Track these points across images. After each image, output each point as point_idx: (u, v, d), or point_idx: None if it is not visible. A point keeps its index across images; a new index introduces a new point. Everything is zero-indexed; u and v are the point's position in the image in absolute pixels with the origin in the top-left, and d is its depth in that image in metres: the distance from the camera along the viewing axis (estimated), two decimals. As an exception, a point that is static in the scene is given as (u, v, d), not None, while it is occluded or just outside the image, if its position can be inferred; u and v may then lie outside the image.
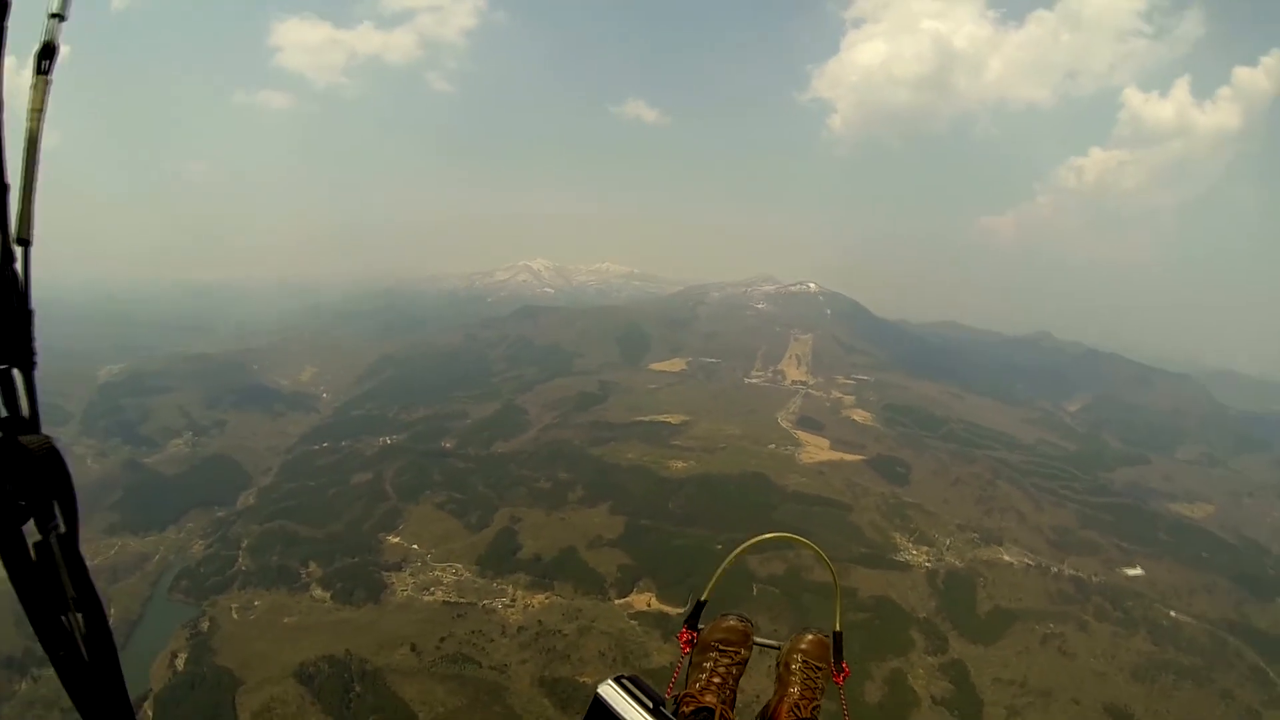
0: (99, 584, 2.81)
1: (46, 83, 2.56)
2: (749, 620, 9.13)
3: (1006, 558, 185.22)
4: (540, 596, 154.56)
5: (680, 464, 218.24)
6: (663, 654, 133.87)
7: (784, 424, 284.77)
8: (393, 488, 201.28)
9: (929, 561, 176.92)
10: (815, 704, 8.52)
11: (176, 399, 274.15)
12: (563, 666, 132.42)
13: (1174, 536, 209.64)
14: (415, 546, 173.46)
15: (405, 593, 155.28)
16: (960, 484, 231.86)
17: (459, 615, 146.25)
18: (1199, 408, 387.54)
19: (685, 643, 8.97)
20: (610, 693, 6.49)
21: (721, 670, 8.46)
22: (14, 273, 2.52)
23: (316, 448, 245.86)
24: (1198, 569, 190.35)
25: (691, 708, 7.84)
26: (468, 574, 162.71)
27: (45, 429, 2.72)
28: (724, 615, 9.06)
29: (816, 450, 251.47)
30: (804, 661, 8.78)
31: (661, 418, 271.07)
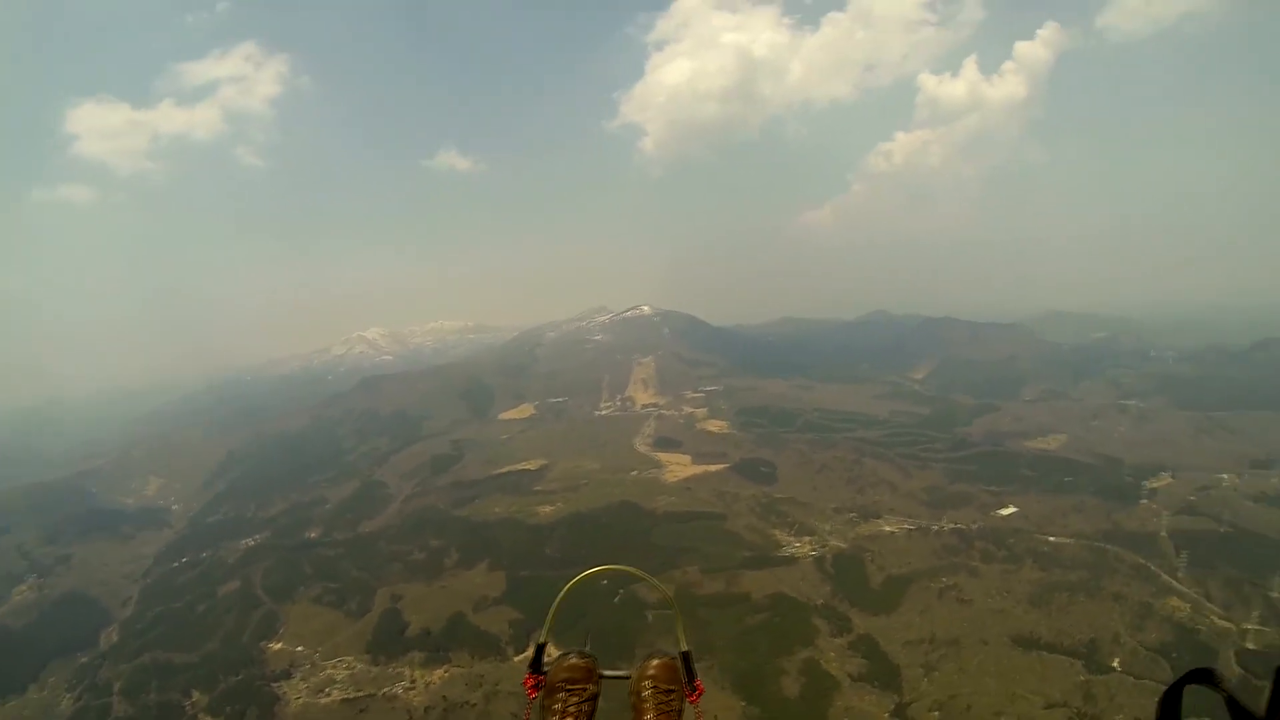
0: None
1: None
2: (592, 655, 9.41)
3: (887, 528, 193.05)
4: (439, 671, 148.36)
5: (548, 508, 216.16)
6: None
7: (642, 449, 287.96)
8: (264, 590, 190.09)
9: (814, 550, 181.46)
10: None
11: (13, 540, 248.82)
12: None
13: (1036, 470, 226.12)
14: (300, 648, 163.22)
15: (300, 700, 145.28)
16: (826, 470, 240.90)
17: (361, 711, 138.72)
18: (1033, 350, 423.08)
19: (531, 688, 9.25)
20: None
21: (572, 710, 8.85)
22: None
23: (175, 565, 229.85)
24: (1064, 494, 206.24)
25: None
26: (360, 665, 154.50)
27: None
28: (565, 654, 9.38)
29: (679, 468, 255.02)
30: (654, 687, 9.18)
31: (520, 466, 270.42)
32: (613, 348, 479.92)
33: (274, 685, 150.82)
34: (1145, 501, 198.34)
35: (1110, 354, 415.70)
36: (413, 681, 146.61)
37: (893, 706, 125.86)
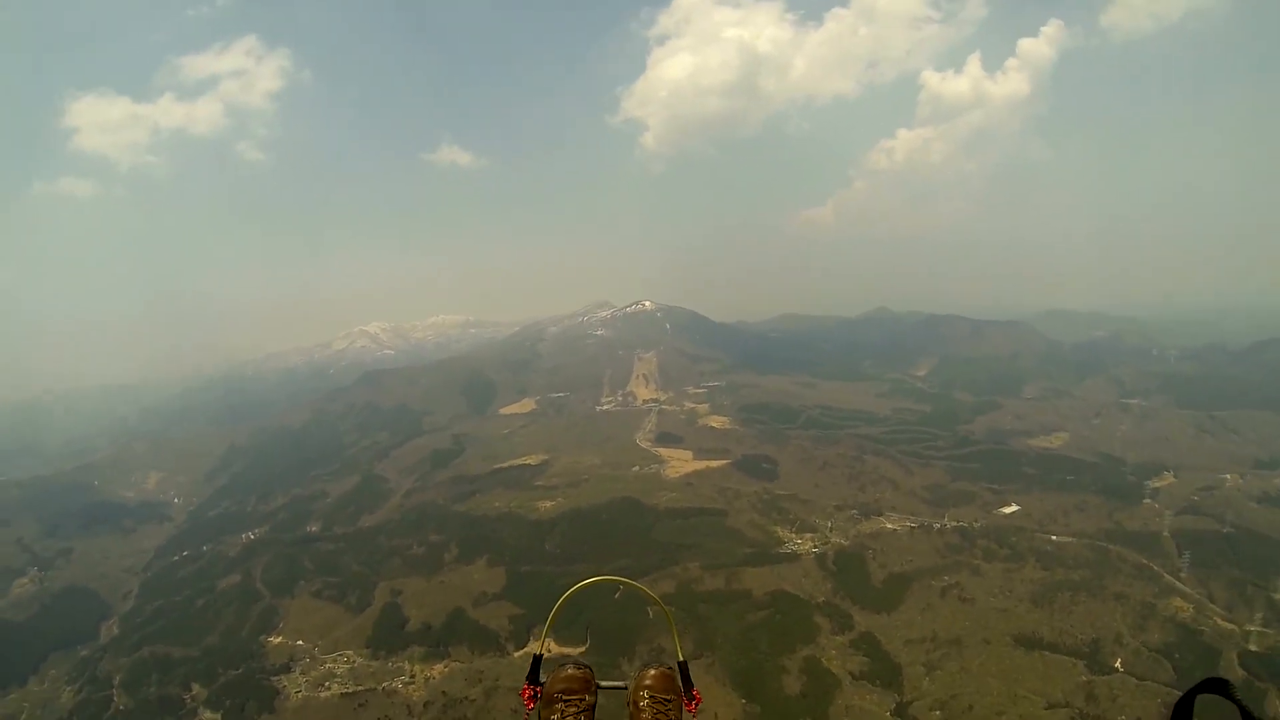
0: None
1: None
2: (588, 666, 9.57)
3: (889, 525, 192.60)
4: (438, 666, 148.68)
5: (548, 504, 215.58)
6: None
7: (644, 444, 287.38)
8: (264, 585, 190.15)
9: (815, 547, 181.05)
10: None
11: (13, 533, 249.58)
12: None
13: (1038, 469, 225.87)
14: (300, 642, 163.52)
15: (299, 694, 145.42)
16: (829, 467, 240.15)
17: (360, 705, 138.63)
18: (1035, 348, 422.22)
19: (528, 699, 9.46)
20: None
21: None
22: None
23: (176, 559, 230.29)
24: (1066, 492, 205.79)
25: None
26: (360, 659, 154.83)
27: None
28: (562, 665, 9.54)
29: (681, 463, 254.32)
30: (651, 697, 9.33)
31: (521, 461, 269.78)
32: (614, 343, 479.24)
33: (274, 679, 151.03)
34: (1148, 501, 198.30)
35: (1112, 352, 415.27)
36: (412, 676, 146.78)
37: (894, 705, 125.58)
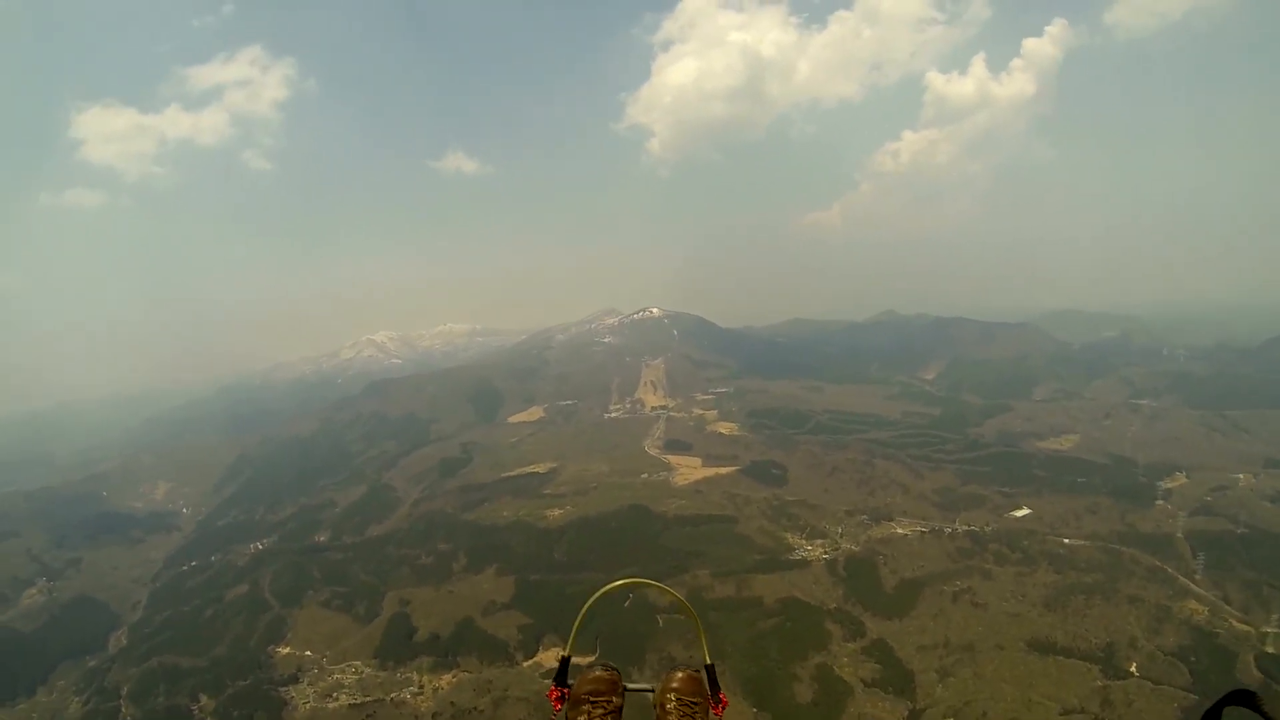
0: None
1: None
2: (616, 668, 9.46)
3: (900, 530, 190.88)
4: (447, 676, 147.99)
5: (557, 512, 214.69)
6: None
7: (652, 451, 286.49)
8: (273, 594, 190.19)
9: (826, 553, 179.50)
10: None
11: (22, 543, 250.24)
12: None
13: (1049, 471, 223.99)
14: (308, 653, 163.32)
15: (307, 705, 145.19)
16: (838, 472, 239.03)
17: (369, 716, 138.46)
18: (1044, 350, 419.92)
19: (555, 700, 9.25)
20: None
21: None
22: None
23: (184, 569, 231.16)
24: (1078, 494, 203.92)
25: None
26: (368, 670, 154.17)
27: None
28: (590, 667, 9.39)
29: (690, 470, 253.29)
30: (678, 700, 9.07)
31: (529, 469, 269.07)
32: (622, 350, 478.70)
33: (281, 690, 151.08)
34: (1160, 502, 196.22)
35: (1122, 353, 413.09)
36: (421, 687, 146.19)
37: (906, 713, 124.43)
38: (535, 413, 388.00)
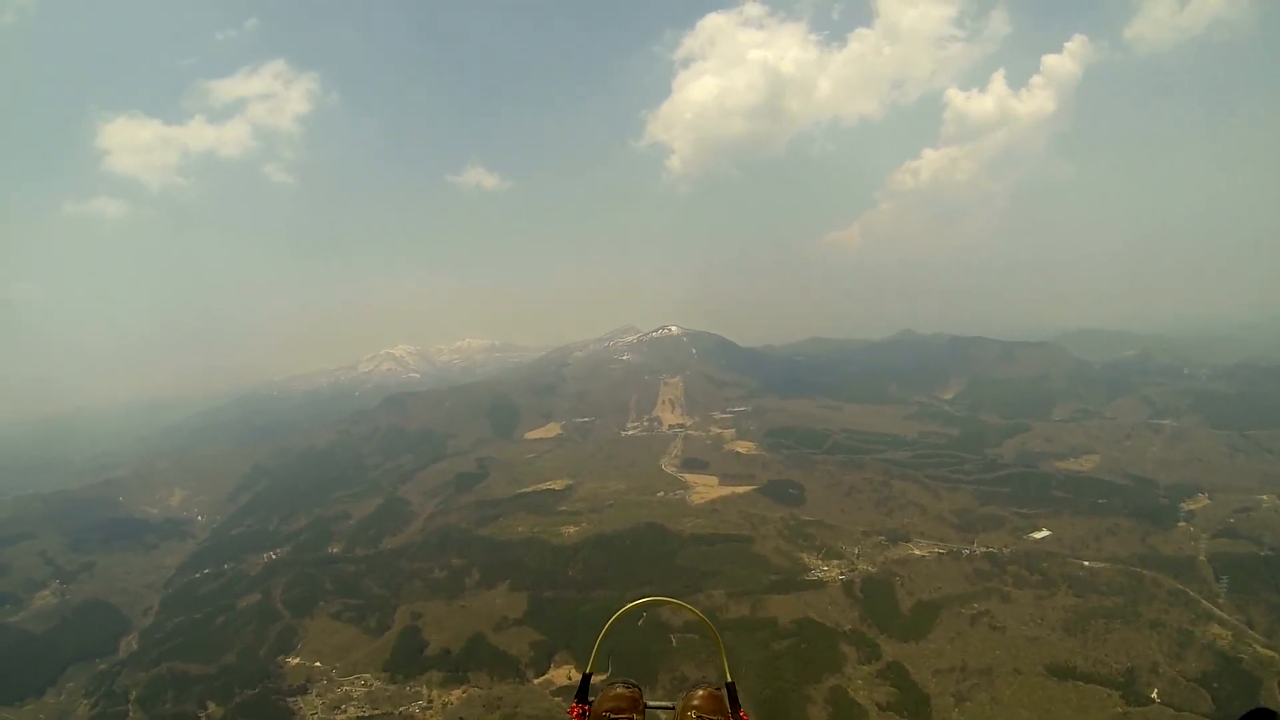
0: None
1: None
2: (637, 685, 9.46)
3: (917, 552, 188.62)
4: (457, 691, 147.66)
5: (572, 529, 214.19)
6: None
7: (669, 469, 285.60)
8: (284, 604, 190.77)
9: (842, 574, 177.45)
10: None
11: (37, 545, 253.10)
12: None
13: (1069, 492, 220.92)
14: (318, 664, 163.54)
15: (315, 716, 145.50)
16: (855, 492, 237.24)
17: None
18: (1064, 369, 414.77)
19: (577, 717, 9.32)
20: None
21: None
22: None
23: (197, 575, 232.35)
24: (1098, 516, 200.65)
25: None
26: (377, 683, 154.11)
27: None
28: (611, 684, 9.44)
29: (706, 489, 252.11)
30: (699, 717, 8.98)
31: (545, 485, 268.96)
32: (640, 368, 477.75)
33: (290, 700, 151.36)
34: (1182, 524, 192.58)
35: (1142, 372, 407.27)
36: (430, 701, 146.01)
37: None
38: (552, 429, 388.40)
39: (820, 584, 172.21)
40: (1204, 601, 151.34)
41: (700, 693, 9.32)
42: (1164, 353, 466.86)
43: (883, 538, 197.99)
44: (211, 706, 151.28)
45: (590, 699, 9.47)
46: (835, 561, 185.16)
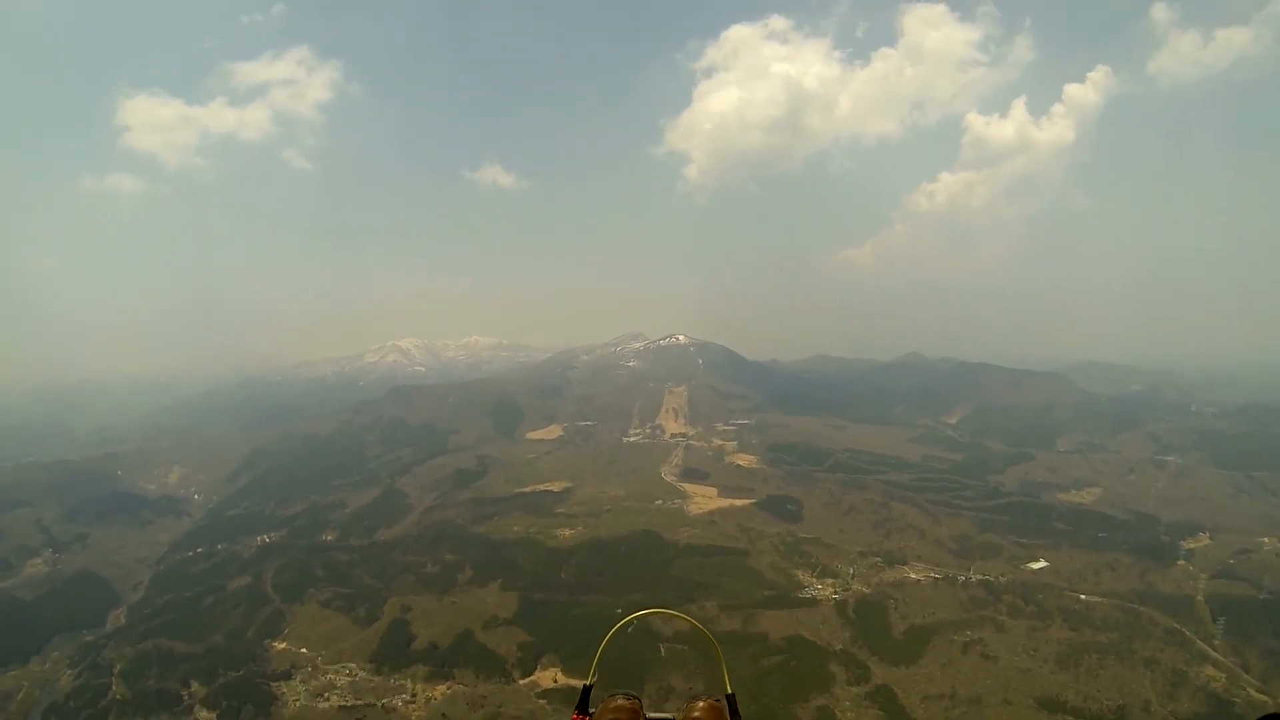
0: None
1: None
2: (637, 697, 9.23)
3: (913, 575, 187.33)
4: (441, 687, 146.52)
5: (568, 532, 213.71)
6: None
7: (668, 478, 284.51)
8: (274, 589, 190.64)
9: (836, 593, 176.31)
10: None
11: (33, 513, 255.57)
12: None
13: (1069, 524, 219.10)
14: (304, 650, 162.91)
15: (298, 703, 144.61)
16: (854, 512, 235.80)
17: None
18: (1070, 400, 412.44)
19: None
20: None
21: None
22: None
23: (190, 554, 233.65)
24: (1097, 550, 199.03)
25: None
26: (362, 673, 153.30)
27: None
28: (611, 696, 9.19)
29: (705, 500, 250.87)
30: None
31: (543, 486, 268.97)
32: (646, 375, 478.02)
33: (273, 685, 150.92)
34: (1181, 562, 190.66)
35: (1149, 407, 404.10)
36: (413, 695, 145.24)
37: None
38: (554, 431, 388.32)
39: (814, 602, 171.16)
40: (1200, 642, 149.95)
41: (701, 704, 9.24)
42: (1172, 388, 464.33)
43: (879, 559, 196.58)
44: (195, 685, 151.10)
45: (590, 710, 9.25)
46: (830, 580, 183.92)
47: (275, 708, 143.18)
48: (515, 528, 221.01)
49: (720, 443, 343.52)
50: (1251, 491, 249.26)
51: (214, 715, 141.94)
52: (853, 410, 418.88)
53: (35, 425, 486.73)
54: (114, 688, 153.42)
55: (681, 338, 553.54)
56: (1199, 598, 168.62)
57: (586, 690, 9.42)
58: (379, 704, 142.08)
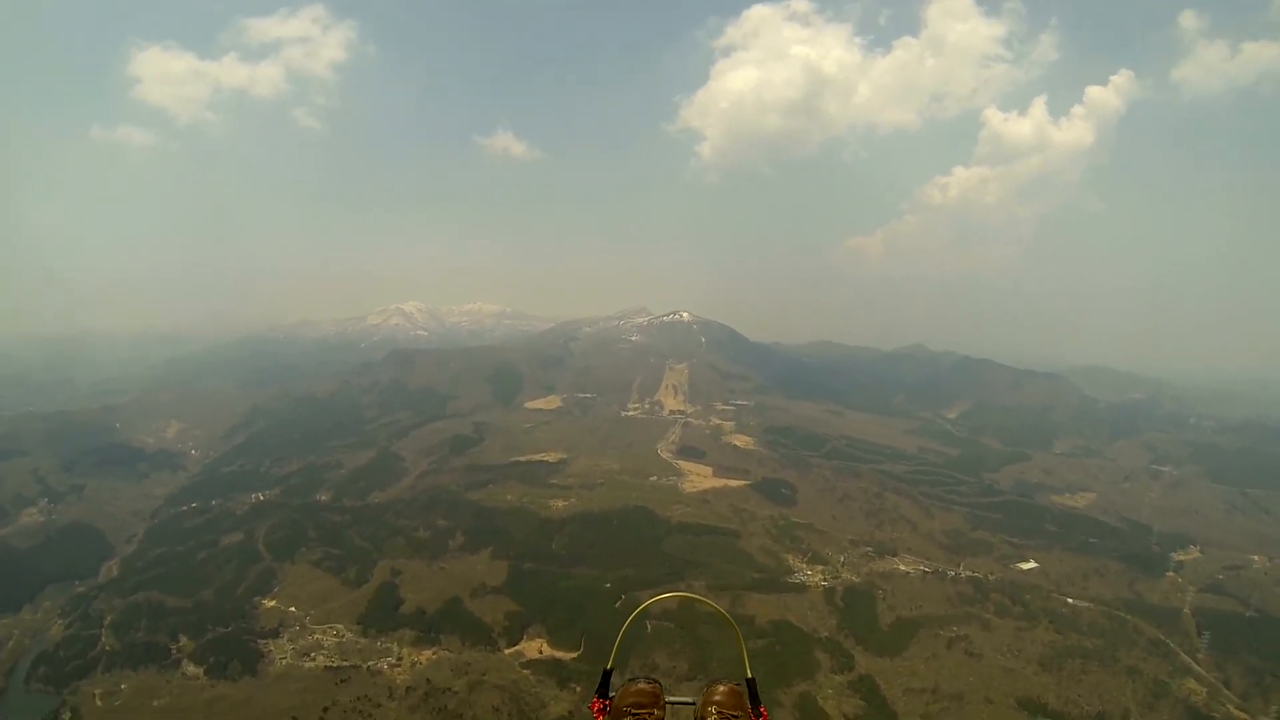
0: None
1: None
2: (658, 681, 9.55)
3: (902, 567, 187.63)
4: (427, 652, 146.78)
5: (561, 503, 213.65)
6: (560, 703, 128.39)
7: (664, 455, 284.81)
8: (266, 547, 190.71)
9: (825, 580, 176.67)
10: None
11: (30, 463, 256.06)
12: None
13: (1061, 527, 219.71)
14: (293, 609, 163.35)
15: (284, 661, 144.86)
16: (848, 499, 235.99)
17: (342, 681, 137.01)
18: (1071, 403, 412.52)
19: (598, 712, 9.47)
20: None
21: None
22: None
23: (184, 509, 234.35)
24: (1087, 555, 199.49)
25: None
26: (349, 634, 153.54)
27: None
28: (632, 679, 9.58)
29: (699, 479, 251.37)
30: (719, 713, 9.11)
31: (539, 456, 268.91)
32: (648, 350, 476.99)
33: (260, 642, 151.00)
34: (1171, 573, 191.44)
35: (1148, 416, 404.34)
36: (399, 659, 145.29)
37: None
38: (553, 401, 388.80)
39: (802, 588, 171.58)
40: (1183, 655, 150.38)
41: (721, 688, 9.48)
42: (1171, 399, 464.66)
43: (870, 549, 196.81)
44: (183, 640, 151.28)
45: (611, 694, 9.56)
46: (819, 567, 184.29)
47: (262, 665, 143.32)
48: (509, 496, 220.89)
49: (718, 422, 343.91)
50: (1245, 508, 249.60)
51: (201, 670, 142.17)
52: (853, 398, 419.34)
53: (36, 376, 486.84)
54: (103, 639, 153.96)
55: (685, 315, 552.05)
56: (1186, 610, 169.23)
57: (606, 674, 9.62)
58: (364, 666, 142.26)
